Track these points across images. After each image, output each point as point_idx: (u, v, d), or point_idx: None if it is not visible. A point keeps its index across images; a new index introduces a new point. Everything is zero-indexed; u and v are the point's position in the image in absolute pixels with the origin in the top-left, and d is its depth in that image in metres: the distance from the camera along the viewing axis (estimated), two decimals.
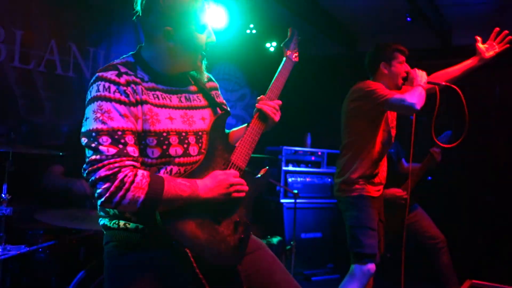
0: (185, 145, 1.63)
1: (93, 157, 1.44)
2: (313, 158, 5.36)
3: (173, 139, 1.60)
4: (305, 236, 5.01)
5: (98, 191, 1.43)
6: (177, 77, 1.73)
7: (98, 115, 1.47)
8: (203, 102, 1.78)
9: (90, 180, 1.45)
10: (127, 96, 1.52)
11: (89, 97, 1.52)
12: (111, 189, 1.41)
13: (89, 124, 1.48)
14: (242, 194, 1.68)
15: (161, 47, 1.63)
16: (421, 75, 2.81)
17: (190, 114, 1.69)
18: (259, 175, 1.83)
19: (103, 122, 1.46)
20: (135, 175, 1.44)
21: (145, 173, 1.47)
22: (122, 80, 1.54)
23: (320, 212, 5.18)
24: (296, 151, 5.26)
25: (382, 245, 3.03)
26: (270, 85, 1.96)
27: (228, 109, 1.89)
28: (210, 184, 1.59)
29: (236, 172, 1.69)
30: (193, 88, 1.79)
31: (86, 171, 1.46)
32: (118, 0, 4.31)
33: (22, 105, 3.60)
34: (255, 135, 1.80)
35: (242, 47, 5.54)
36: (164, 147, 1.57)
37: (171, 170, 1.60)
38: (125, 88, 1.52)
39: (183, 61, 1.69)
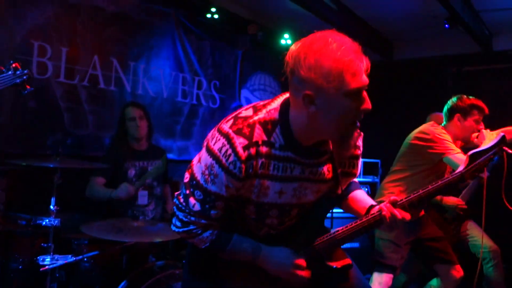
0: (284, 217, 1.63)
1: (182, 199, 1.57)
2: None
3: (273, 212, 1.59)
4: (343, 246, 4.96)
5: (176, 223, 1.60)
6: (313, 146, 1.54)
7: (206, 172, 1.48)
8: (329, 174, 1.61)
9: (174, 207, 1.61)
10: (240, 172, 1.45)
11: (211, 143, 1.48)
12: (181, 232, 1.59)
13: (198, 170, 1.51)
14: (296, 285, 1.65)
15: (301, 111, 1.44)
16: (490, 138, 2.81)
17: (305, 186, 1.57)
18: (335, 266, 1.68)
19: (206, 181, 1.48)
20: (204, 231, 1.58)
21: (215, 231, 1.59)
22: (245, 154, 1.44)
23: None
24: None
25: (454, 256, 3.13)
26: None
27: (356, 180, 1.79)
28: (271, 260, 1.62)
29: (302, 264, 1.62)
30: (325, 157, 1.59)
31: (175, 198, 1.60)
32: (157, 15, 4.45)
33: (67, 118, 3.75)
34: (357, 229, 1.62)
35: (277, 57, 5.58)
36: (261, 216, 1.61)
37: (261, 229, 1.66)
38: (242, 165, 1.44)
39: (323, 129, 1.47)
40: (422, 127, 3.08)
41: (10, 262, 2.72)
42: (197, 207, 1.52)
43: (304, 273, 1.61)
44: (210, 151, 1.47)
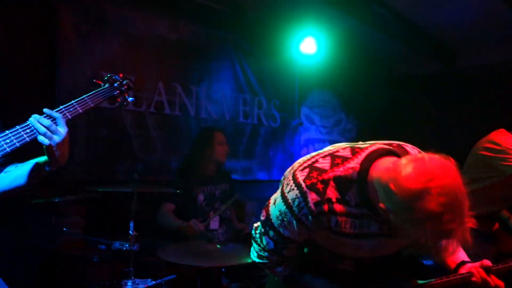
0: (359, 266, 1.60)
1: (258, 235, 1.63)
2: None
3: (347, 263, 1.58)
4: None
5: (253, 252, 1.69)
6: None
7: (280, 217, 1.49)
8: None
9: (252, 237, 1.69)
10: (312, 224, 1.43)
11: (285, 189, 1.47)
12: (257, 263, 1.68)
13: (273, 212, 1.52)
14: None
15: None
16: None
17: (384, 243, 1.50)
18: None
19: (279, 225, 1.50)
20: (277, 266, 1.63)
21: (287, 269, 1.62)
22: (317, 210, 1.41)
23: None
24: None
25: None
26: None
27: None
28: None
29: None
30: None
31: (253, 229, 1.68)
32: (215, 40, 4.56)
33: (136, 144, 3.89)
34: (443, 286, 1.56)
35: (334, 72, 5.54)
36: (334, 264, 1.60)
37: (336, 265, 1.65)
38: (313, 220, 1.42)
39: None
40: (491, 136, 2.88)
41: (91, 285, 2.81)
42: (271, 245, 1.57)
43: None
44: (284, 199, 1.47)
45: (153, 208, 3.40)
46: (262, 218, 1.59)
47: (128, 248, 2.53)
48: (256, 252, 1.65)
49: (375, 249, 1.50)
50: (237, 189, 3.87)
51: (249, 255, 2.74)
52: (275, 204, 1.52)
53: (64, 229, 2.87)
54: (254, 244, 1.66)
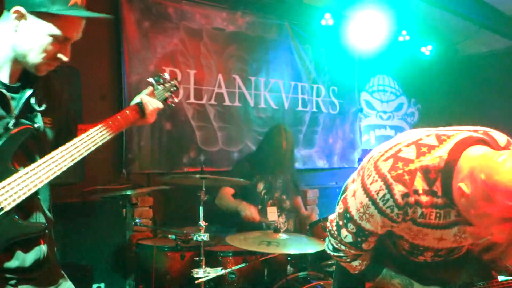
0: (438, 257, 1.55)
1: (334, 227, 1.58)
2: None
3: (427, 254, 1.52)
4: None
5: (328, 245, 1.65)
6: None
7: (361, 210, 1.44)
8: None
9: (327, 230, 1.64)
10: (398, 216, 1.39)
11: (367, 181, 1.42)
12: (333, 255, 1.63)
13: (352, 204, 1.48)
14: None
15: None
16: None
17: (464, 230, 1.44)
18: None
19: (360, 218, 1.46)
20: (354, 260, 1.60)
21: (365, 262, 1.60)
22: (404, 201, 1.36)
23: None
24: None
25: None
26: None
27: None
28: None
29: None
30: None
31: (328, 223, 1.63)
32: (272, 30, 4.54)
33: (199, 136, 3.97)
34: None
35: (395, 56, 5.38)
36: (413, 256, 1.56)
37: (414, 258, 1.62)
38: (398, 211, 1.37)
39: None
40: None
41: (163, 274, 2.91)
42: (349, 238, 1.52)
43: None
44: (366, 191, 1.41)
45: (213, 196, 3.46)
46: (339, 210, 1.54)
47: (198, 238, 2.59)
48: (332, 244, 1.61)
49: (457, 238, 1.45)
50: (298, 178, 3.87)
51: (314, 245, 2.78)
52: (355, 196, 1.46)
53: (137, 220, 2.98)
54: (330, 237, 1.61)
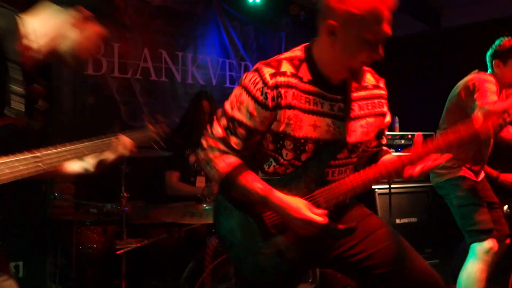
0: (300, 153, 1.60)
1: (209, 129, 1.66)
2: (402, 141, 5.22)
3: (309, 147, 1.59)
4: (400, 222, 4.91)
5: (199, 153, 1.68)
6: (339, 83, 1.61)
7: (234, 100, 1.60)
8: (359, 112, 1.65)
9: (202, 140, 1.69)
10: (266, 98, 1.52)
11: (241, 80, 1.62)
12: (202, 157, 1.67)
13: (228, 101, 1.63)
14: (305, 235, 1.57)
15: (323, 42, 1.54)
16: None
17: (339, 126, 1.60)
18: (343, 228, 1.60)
19: (232, 108, 1.59)
20: (221, 160, 1.60)
21: (232, 161, 1.59)
22: (272, 82, 1.52)
23: (413, 197, 5.04)
24: None
25: (506, 226, 2.90)
26: None
27: (388, 119, 1.75)
28: (285, 201, 1.55)
29: (322, 214, 1.53)
30: (354, 96, 1.65)
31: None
32: (200, 5, 4.51)
33: (124, 111, 3.90)
34: (361, 182, 1.58)
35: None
36: (298, 151, 1.60)
37: (268, 166, 1.66)
38: (269, 90, 1.52)
39: (338, 62, 1.55)
40: (466, 79, 2.81)
41: (84, 248, 2.88)
42: (220, 132, 1.61)
43: (321, 220, 1.50)
44: (241, 84, 1.60)
45: (143, 171, 3.44)
46: (220, 110, 1.65)
47: (119, 210, 2.59)
48: (203, 149, 1.65)
49: (330, 130, 1.59)
50: None
51: None
52: (232, 95, 1.62)
53: (56, 193, 2.91)
54: (203, 141, 1.66)
